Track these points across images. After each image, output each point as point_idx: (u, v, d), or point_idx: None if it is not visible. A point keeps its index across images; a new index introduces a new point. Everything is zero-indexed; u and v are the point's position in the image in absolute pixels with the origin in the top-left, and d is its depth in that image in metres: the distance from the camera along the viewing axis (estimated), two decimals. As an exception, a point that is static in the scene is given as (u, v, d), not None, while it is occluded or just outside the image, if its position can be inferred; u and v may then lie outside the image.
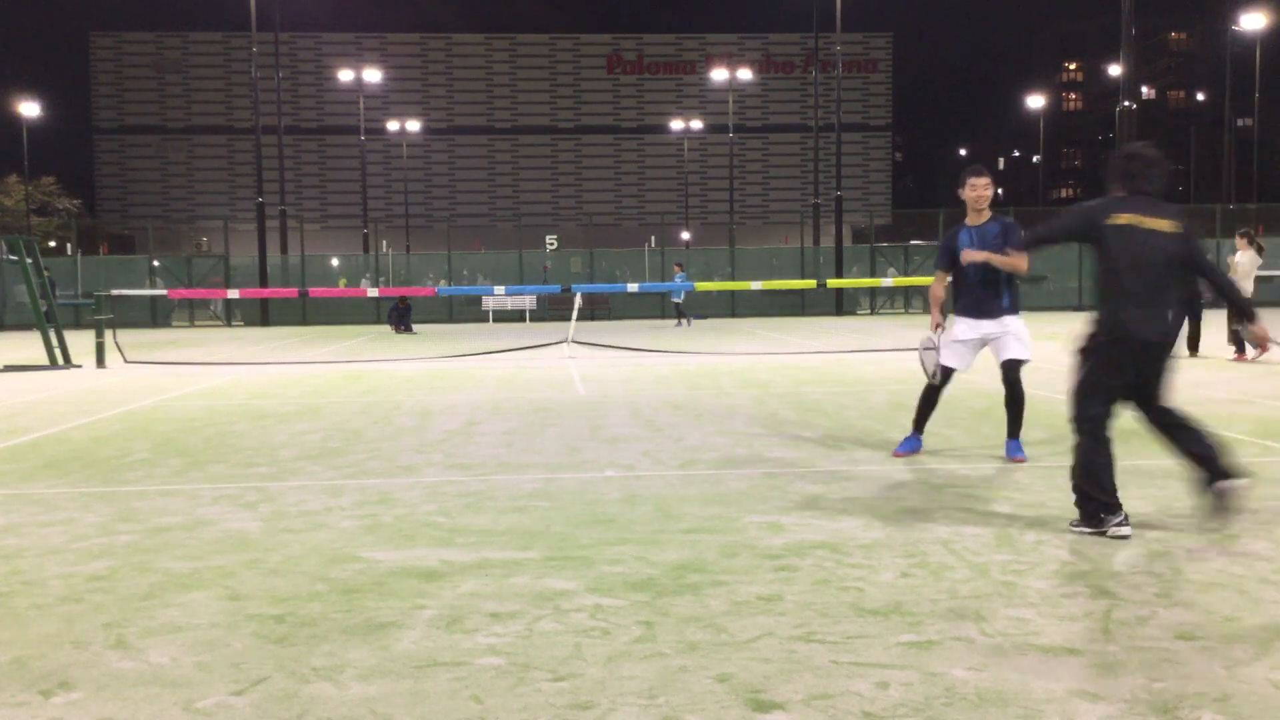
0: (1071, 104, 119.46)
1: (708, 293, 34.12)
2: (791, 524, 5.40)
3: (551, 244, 56.74)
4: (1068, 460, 5.23)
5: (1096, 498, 5.01)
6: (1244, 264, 15.26)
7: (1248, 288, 15.06)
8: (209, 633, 3.86)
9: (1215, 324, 17.77)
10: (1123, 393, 5.16)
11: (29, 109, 50.40)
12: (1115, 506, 5.00)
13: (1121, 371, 5.08)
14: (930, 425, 8.86)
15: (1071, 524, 5.17)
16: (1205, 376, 12.42)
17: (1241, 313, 5.56)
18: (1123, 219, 5.06)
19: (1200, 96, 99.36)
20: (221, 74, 75.41)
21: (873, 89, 79.21)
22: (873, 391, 11.50)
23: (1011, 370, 7.10)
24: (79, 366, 16.59)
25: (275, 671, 3.47)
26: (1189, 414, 5.21)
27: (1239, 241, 15.61)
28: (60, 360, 16.72)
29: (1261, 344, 5.77)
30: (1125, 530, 4.95)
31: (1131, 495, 5.90)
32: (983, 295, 7.02)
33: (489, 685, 3.32)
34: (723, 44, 78.70)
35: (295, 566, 4.75)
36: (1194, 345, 15.29)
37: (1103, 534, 4.99)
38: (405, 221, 65.73)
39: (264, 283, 32.90)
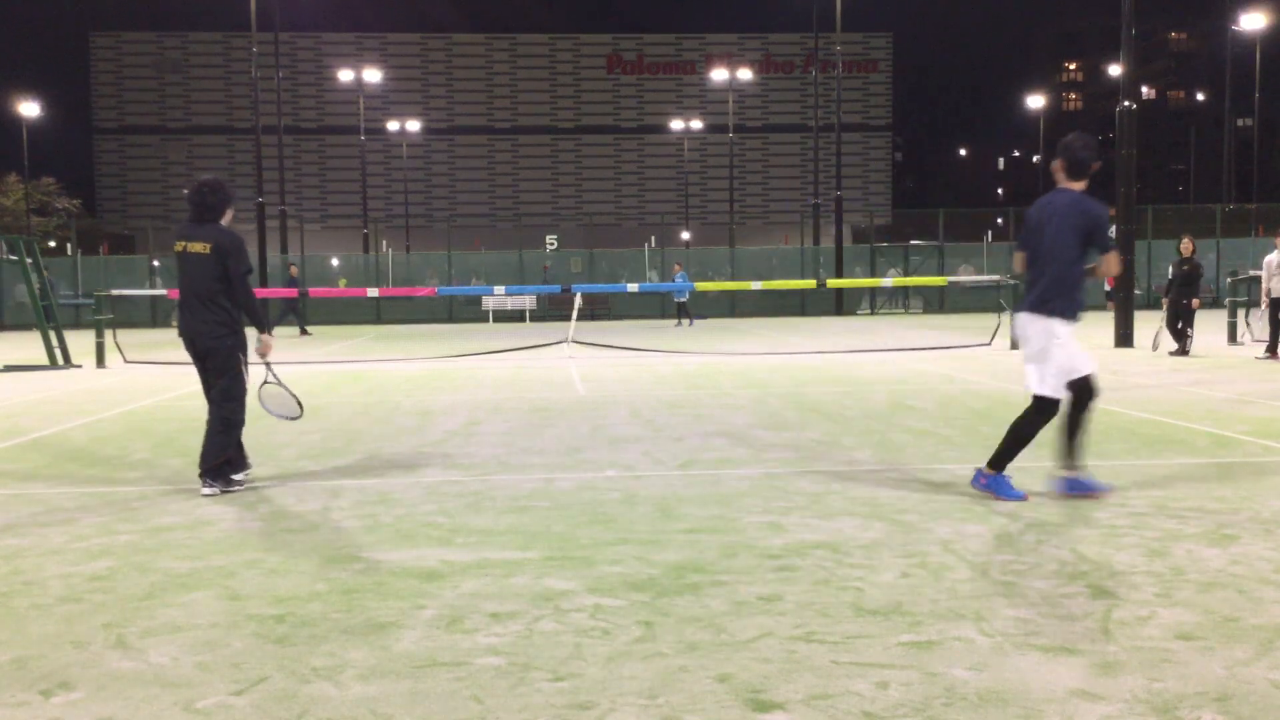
0: (1071, 104, 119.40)
1: (708, 292, 34.12)
2: (791, 524, 5.40)
3: (551, 244, 56.74)
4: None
5: None
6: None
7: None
8: (209, 633, 3.86)
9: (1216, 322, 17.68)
10: None
11: (29, 109, 50.32)
12: None
13: None
14: (929, 425, 8.89)
15: None
16: (1204, 376, 12.41)
17: None
18: None
19: (1200, 96, 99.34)
20: (221, 74, 75.36)
21: (873, 89, 79.14)
22: (873, 391, 11.49)
23: None
24: (79, 366, 16.59)
25: (275, 671, 3.47)
26: None
27: None
28: (60, 360, 16.71)
29: None
30: None
31: (1131, 495, 5.90)
32: None
33: (489, 685, 3.32)
34: (723, 44, 78.61)
35: (295, 566, 4.75)
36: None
37: None
38: (405, 221, 65.71)
39: (264, 283, 32.86)
